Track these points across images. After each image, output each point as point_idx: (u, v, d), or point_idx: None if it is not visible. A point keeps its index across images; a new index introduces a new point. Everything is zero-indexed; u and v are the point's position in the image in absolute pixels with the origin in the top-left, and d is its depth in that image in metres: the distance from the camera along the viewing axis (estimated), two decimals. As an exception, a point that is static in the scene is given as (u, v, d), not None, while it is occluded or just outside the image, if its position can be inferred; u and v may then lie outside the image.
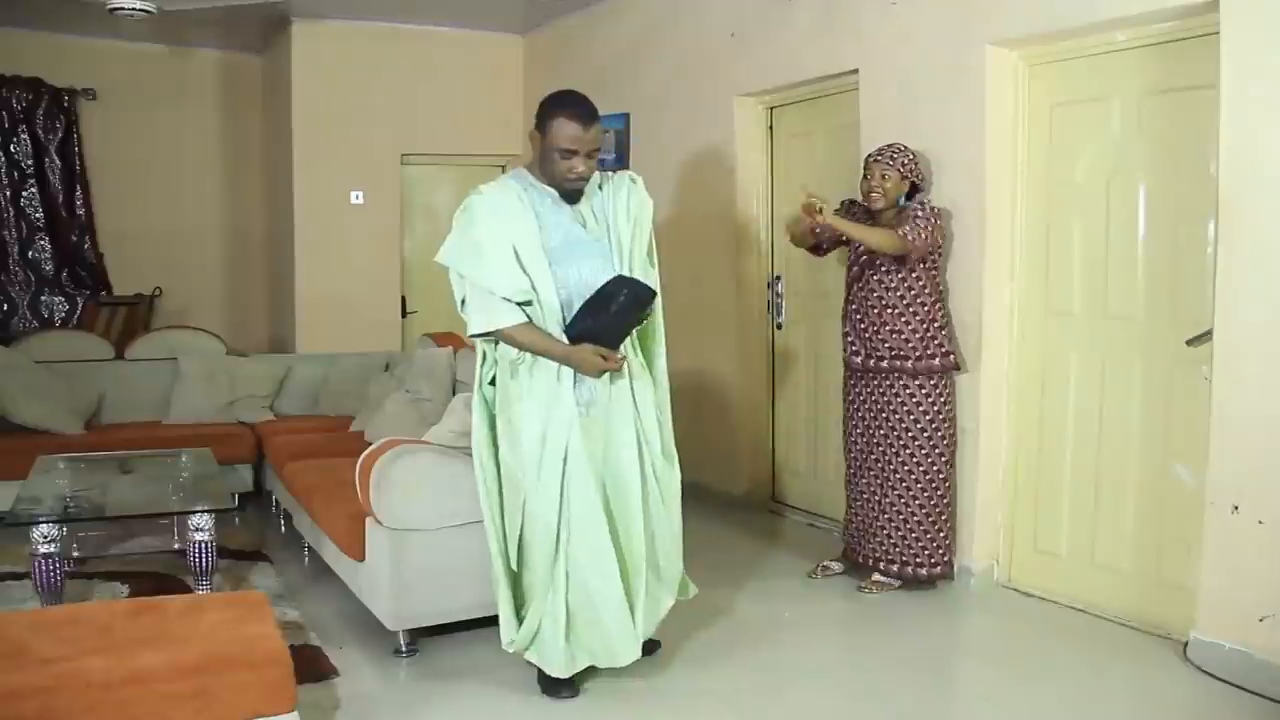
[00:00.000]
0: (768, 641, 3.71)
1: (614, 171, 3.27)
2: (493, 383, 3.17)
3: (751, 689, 3.32)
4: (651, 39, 6.11)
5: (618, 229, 3.14)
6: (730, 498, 5.60)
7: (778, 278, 5.49)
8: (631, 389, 3.18)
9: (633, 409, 3.17)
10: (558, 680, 3.17)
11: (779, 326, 5.52)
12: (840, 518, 4.53)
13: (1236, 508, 3.28)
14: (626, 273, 3.11)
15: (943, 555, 4.13)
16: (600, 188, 3.19)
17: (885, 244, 3.92)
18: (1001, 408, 4.26)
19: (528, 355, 3.07)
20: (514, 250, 2.99)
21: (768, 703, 3.24)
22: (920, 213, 3.98)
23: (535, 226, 3.02)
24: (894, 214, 4.11)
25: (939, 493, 4.11)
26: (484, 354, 3.17)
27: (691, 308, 5.65)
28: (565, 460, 3.04)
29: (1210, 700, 3.20)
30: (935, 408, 4.08)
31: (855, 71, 4.71)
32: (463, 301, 3.10)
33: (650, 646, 3.41)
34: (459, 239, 3.05)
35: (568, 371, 3.05)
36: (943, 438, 4.10)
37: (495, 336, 3.08)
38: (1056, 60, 4.03)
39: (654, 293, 3.12)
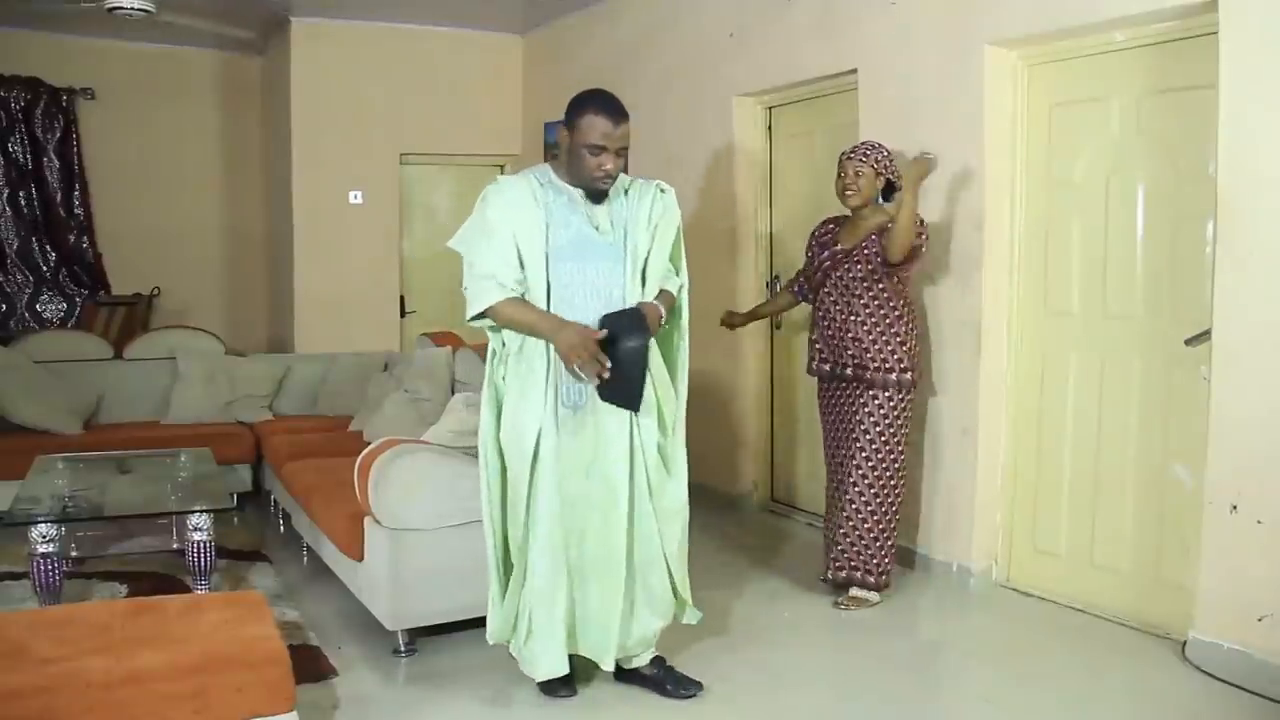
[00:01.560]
0: (767, 641, 3.71)
1: (643, 179, 3.21)
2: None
3: (751, 689, 3.32)
4: (650, 39, 6.11)
5: (635, 237, 3.08)
6: (730, 498, 5.60)
7: (776, 277, 5.49)
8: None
9: (629, 426, 3.06)
10: (554, 680, 3.15)
11: (778, 326, 5.53)
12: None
13: (1235, 507, 3.28)
14: (638, 282, 3.07)
15: (880, 568, 4.02)
16: (626, 193, 3.15)
17: (907, 236, 3.80)
18: (1000, 407, 4.27)
19: (513, 346, 3.05)
20: (515, 241, 2.99)
21: (767, 702, 3.24)
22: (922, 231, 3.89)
23: (542, 223, 3.00)
24: (871, 211, 4.02)
25: (889, 505, 4.01)
26: (493, 351, 3.15)
27: (691, 308, 5.63)
28: (535, 459, 3.01)
29: (1209, 700, 3.20)
30: (888, 420, 3.96)
31: (854, 71, 4.71)
32: (466, 287, 3.07)
33: (686, 684, 3.25)
34: (470, 224, 3.07)
35: (548, 366, 3.00)
36: (895, 450, 3.99)
37: (489, 318, 3.03)
38: (1055, 60, 4.03)
39: (639, 320, 3.00)
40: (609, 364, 2.91)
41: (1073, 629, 3.83)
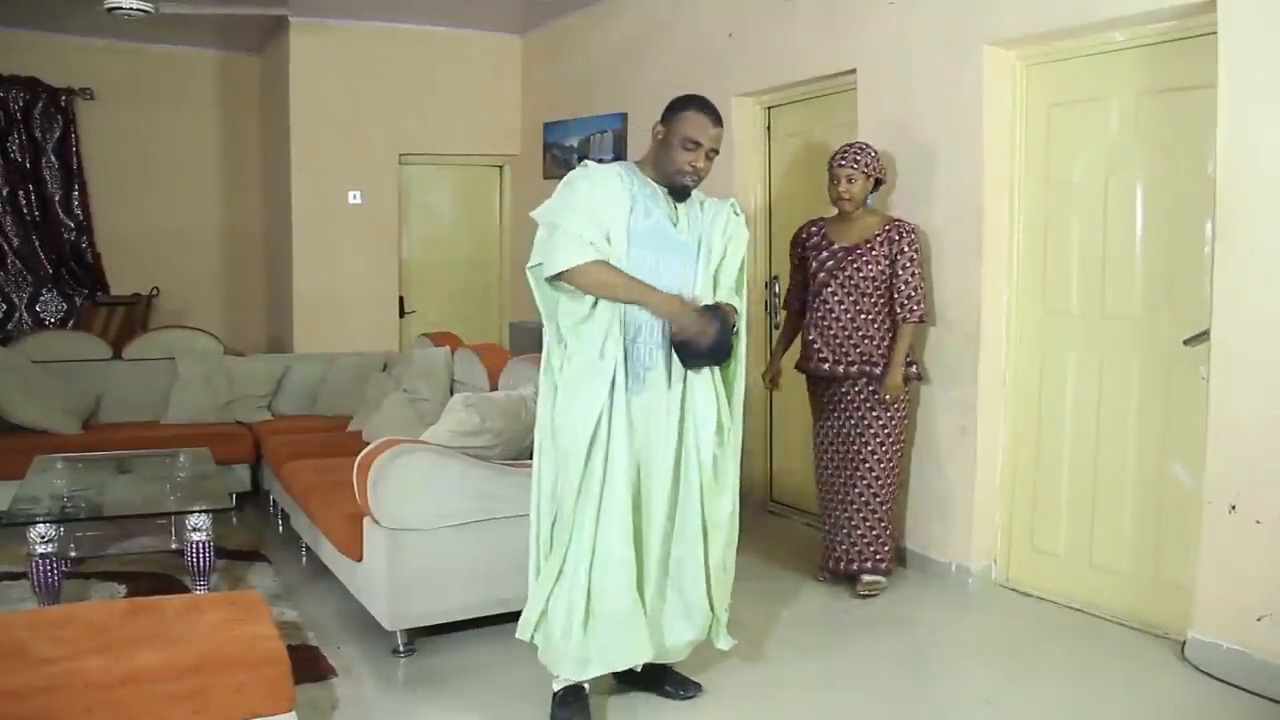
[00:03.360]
0: (765, 641, 3.71)
1: (717, 198, 3.19)
2: None
3: (750, 690, 3.32)
4: (649, 39, 6.11)
5: (709, 244, 3.08)
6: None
7: (774, 278, 5.49)
8: (684, 395, 3.02)
9: (679, 415, 3.00)
10: (566, 702, 3.03)
11: (776, 327, 5.52)
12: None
13: (1234, 507, 3.28)
14: (709, 289, 3.05)
15: (887, 553, 4.18)
16: (702, 207, 3.12)
17: (915, 335, 4.17)
18: (999, 407, 4.27)
19: (570, 332, 2.95)
20: (602, 215, 2.93)
21: (766, 702, 3.24)
22: (909, 252, 4.06)
23: (627, 205, 2.97)
24: (862, 213, 4.17)
25: (893, 495, 4.19)
26: (548, 346, 3.05)
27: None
28: (591, 447, 2.90)
29: (1208, 700, 3.21)
30: (895, 415, 4.12)
31: (853, 71, 4.71)
32: (533, 267, 2.99)
33: (684, 684, 3.24)
34: (555, 199, 2.99)
35: (614, 347, 2.91)
36: (901, 443, 4.19)
37: (567, 280, 2.90)
38: (1054, 60, 4.03)
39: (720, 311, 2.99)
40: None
41: (1072, 629, 3.83)
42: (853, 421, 4.15)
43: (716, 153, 3.05)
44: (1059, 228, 4.07)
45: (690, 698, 3.22)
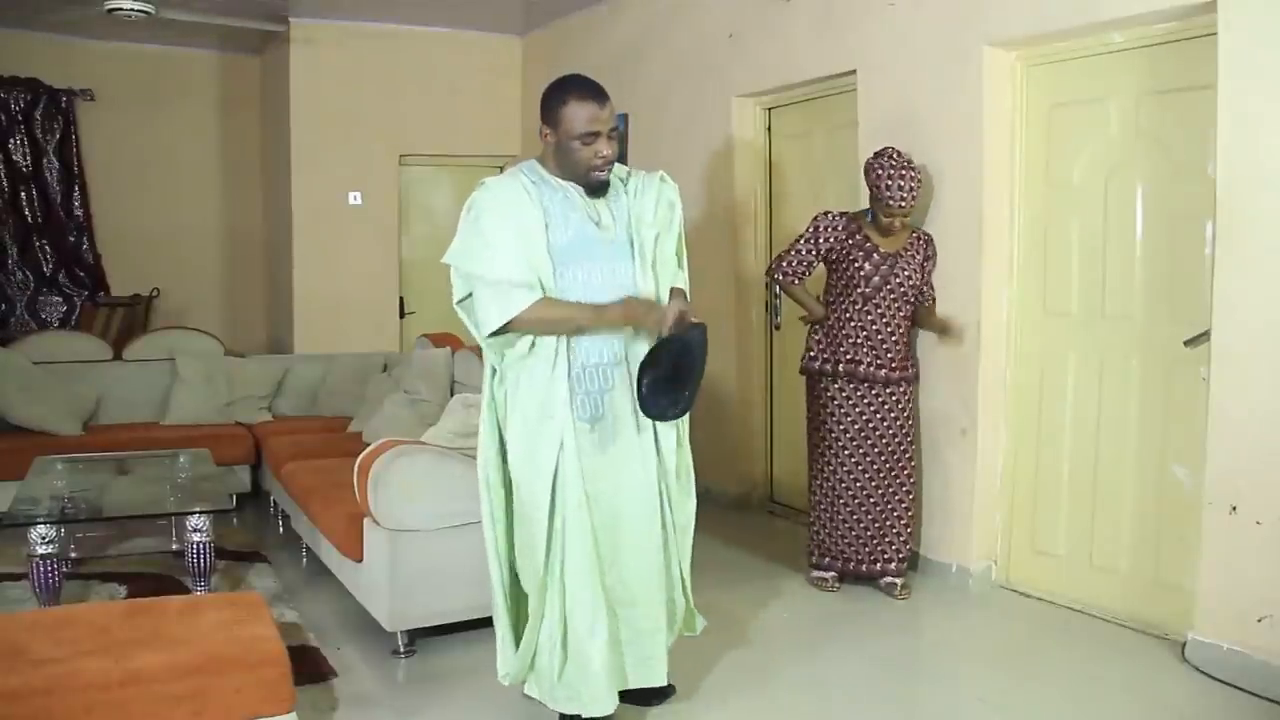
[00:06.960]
0: (764, 642, 3.71)
1: (644, 171, 3.01)
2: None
3: (749, 690, 3.32)
4: (650, 40, 6.11)
5: (641, 231, 2.87)
6: (728, 498, 5.60)
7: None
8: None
9: (650, 425, 2.89)
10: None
11: (777, 327, 5.52)
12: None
13: (1235, 508, 3.28)
14: (649, 279, 2.89)
15: (909, 547, 4.27)
16: (626, 186, 2.93)
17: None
18: (999, 408, 4.27)
19: (517, 364, 2.80)
20: (519, 242, 2.73)
21: (765, 703, 3.24)
22: (936, 258, 4.26)
23: (541, 223, 2.75)
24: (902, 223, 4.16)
25: (915, 488, 4.30)
26: (492, 369, 2.89)
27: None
28: (555, 481, 2.77)
29: (1208, 701, 3.21)
30: (912, 410, 4.27)
31: (853, 72, 4.71)
32: (460, 301, 2.85)
33: (663, 691, 3.14)
34: (464, 236, 2.78)
35: (561, 382, 2.77)
36: (917, 438, 4.34)
37: (510, 330, 2.75)
38: (1054, 61, 4.03)
39: (692, 340, 2.83)
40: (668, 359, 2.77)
41: (1072, 629, 3.83)
42: (892, 426, 4.15)
43: (617, 129, 2.82)
44: (1059, 228, 4.07)
45: (663, 701, 3.14)
